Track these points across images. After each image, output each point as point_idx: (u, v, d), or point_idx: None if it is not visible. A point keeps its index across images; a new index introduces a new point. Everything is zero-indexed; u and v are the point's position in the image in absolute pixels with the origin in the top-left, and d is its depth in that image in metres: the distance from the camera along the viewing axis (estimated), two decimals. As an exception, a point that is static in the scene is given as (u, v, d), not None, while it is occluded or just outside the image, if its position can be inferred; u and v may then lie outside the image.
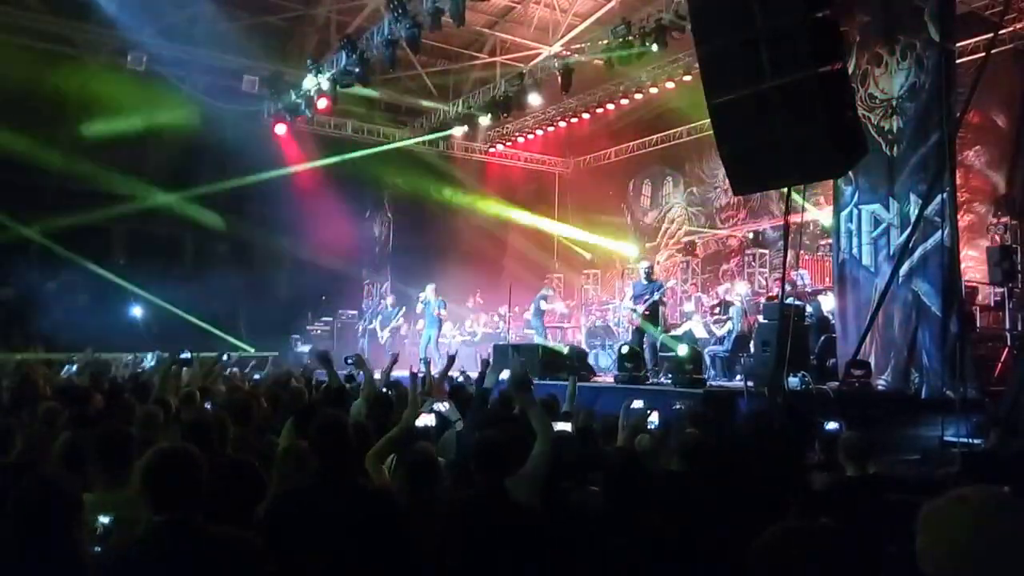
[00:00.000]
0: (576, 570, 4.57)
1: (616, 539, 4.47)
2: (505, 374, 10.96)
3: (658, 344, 15.74)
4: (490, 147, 27.20)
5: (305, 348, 22.64)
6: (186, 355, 10.36)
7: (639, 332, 15.64)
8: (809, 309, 14.83)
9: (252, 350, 20.95)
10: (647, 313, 15.55)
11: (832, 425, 7.84)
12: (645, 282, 16.00)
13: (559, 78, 20.00)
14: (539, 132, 25.74)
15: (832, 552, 2.72)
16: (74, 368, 13.05)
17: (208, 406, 8.43)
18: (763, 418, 7.95)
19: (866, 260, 13.38)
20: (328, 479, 4.50)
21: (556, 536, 4.65)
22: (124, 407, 8.12)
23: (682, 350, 13.92)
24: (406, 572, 4.27)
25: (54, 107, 19.45)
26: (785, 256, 12.19)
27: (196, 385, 9.77)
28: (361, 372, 9.64)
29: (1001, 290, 13.91)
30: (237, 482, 5.04)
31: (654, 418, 7.83)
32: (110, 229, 22.30)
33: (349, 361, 10.40)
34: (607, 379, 16.00)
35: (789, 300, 13.47)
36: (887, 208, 13.07)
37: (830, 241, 15.52)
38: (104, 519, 4.24)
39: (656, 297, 15.73)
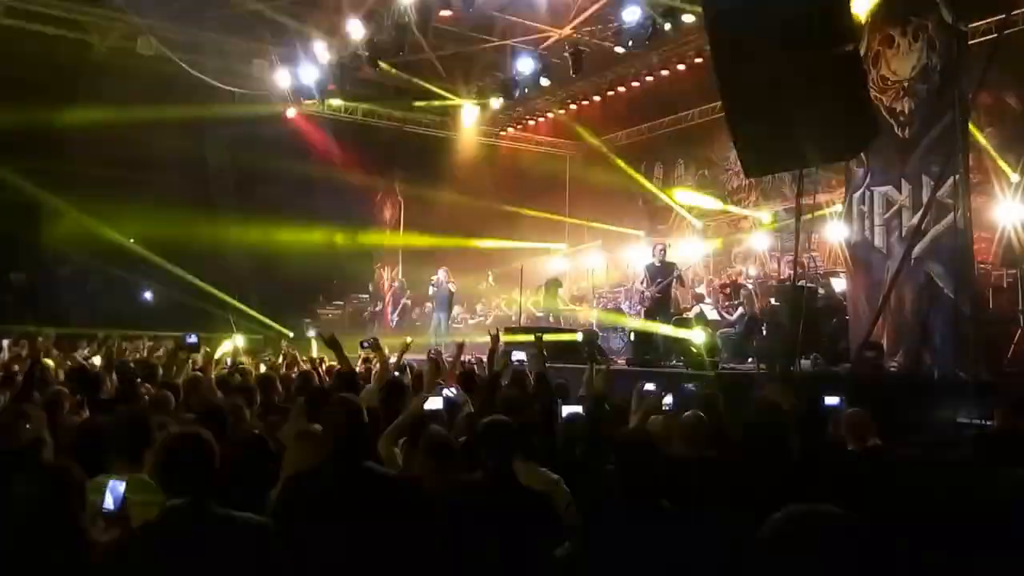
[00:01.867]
0: (585, 553, 4.58)
1: (625, 522, 4.47)
2: (518, 355, 10.97)
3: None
4: (500, 130, 27.18)
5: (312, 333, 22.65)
6: (192, 339, 10.32)
7: (651, 315, 15.57)
8: (821, 291, 14.80)
9: (262, 336, 21.06)
10: (659, 295, 15.49)
11: (832, 400, 7.84)
12: (659, 264, 15.92)
13: (570, 61, 19.97)
14: (550, 115, 25.69)
15: (841, 538, 2.71)
16: (86, 350, 13.12)
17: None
18: (775, 402, 7.92)
19: (878, 242, 13.33)
20: (340, 463, 4.51)
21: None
22: (136, 391, 8.17)
23: (697, 337, 13.92)
24: (417, 555, 4.28)
25: (66, 91, 19.47)
26: (797, 238, 12.16)
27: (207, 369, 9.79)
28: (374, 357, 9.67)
29: (1013, 271, 13.85)
30: (250, 465, 5.07)
31: (668, 400, 7.83)
32: (121, 213, 22.32)
33: (365, 344, 10.35)
34: (619, 362, 16.00)
35: (801, 282, 13.44)
36: (899, 190, 13.03)
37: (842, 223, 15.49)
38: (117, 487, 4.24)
39: (670, 279, 15.62)
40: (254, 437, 5.75)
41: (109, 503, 4.11)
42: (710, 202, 23.42)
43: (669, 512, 4.20)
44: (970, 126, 13.05)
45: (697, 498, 4.53)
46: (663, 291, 15.52)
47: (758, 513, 3.00)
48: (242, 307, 21.30)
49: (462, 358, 11.03)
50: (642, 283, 16.39)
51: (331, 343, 8.59)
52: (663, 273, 15.64)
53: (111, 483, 4.19)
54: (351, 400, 5.03)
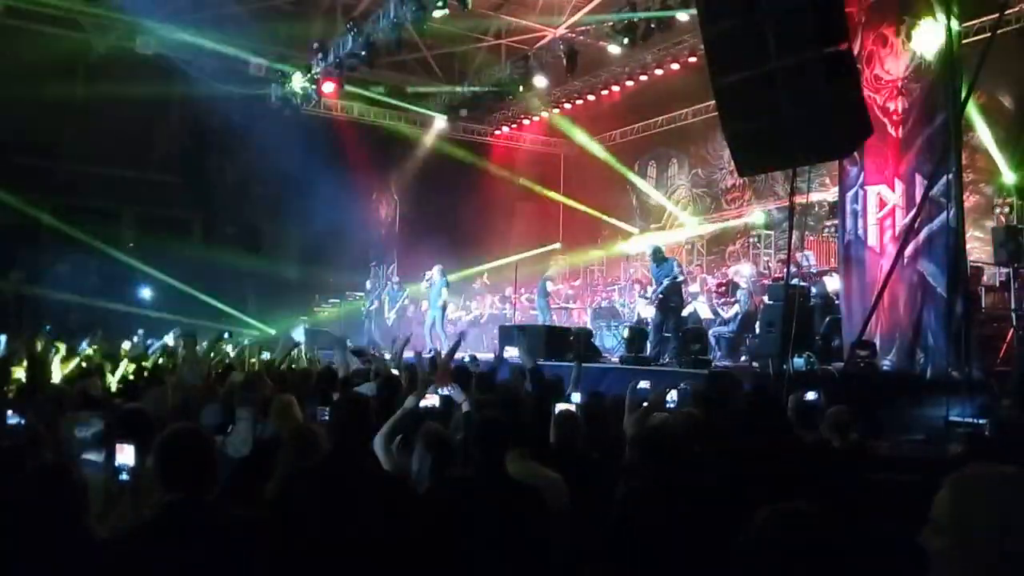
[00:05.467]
0: (576, 548, 4.63)
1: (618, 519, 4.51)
2: (509, 352, 10.98)
3: (666, 326, 15.70)
4: (495, 129, 27.20)
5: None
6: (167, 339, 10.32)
7: (662, 314, 15.45)
8: (814, 290, 14.84)
9: (259, 331, 21.12)
10: (662, 296, 15.43)
11: (810, 395, 7.89)
12: (655, 265, 15.89)
13: (564, 60, 20.01)
14: (544, 114, 25.72)
15: (823, 536, 2.75)
16: (84, 346, 13.17)
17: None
18: (762, 397, 7.97)
19: (871, 241, 13.38)
20: (340, 460, 4.54)
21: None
22: (135, 387, 8.22)
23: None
24: (410, 552, 4.32)
25: (64, 91, 19.52)
26: (790, 237, 12.19)
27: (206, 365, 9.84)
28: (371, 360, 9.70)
29: (1006, 270, 13.90)
30: (248, 461, 5.11)
31: (672, 396, 7.86)
32: (120, 212, 22.39)
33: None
34: (613, 360, 16.04)
35: (794, 281, 13.49)
36: (893, 189, 13.07)
37: (836, 222, 15.53)
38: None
39: (668, 283, 15.49)
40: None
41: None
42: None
43: (662, 507, 4.25)
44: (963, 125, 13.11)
45: (686, 492, 4.58)
46: (668, 291, 15.42)
47: (743, 509, 3.05)
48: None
49: (458, 356, 11.04)
50: (651, 287, 16.38)
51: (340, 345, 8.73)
52: (664, 274, 15.56)
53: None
54: (359, 397, 5.08)
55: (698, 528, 4.29)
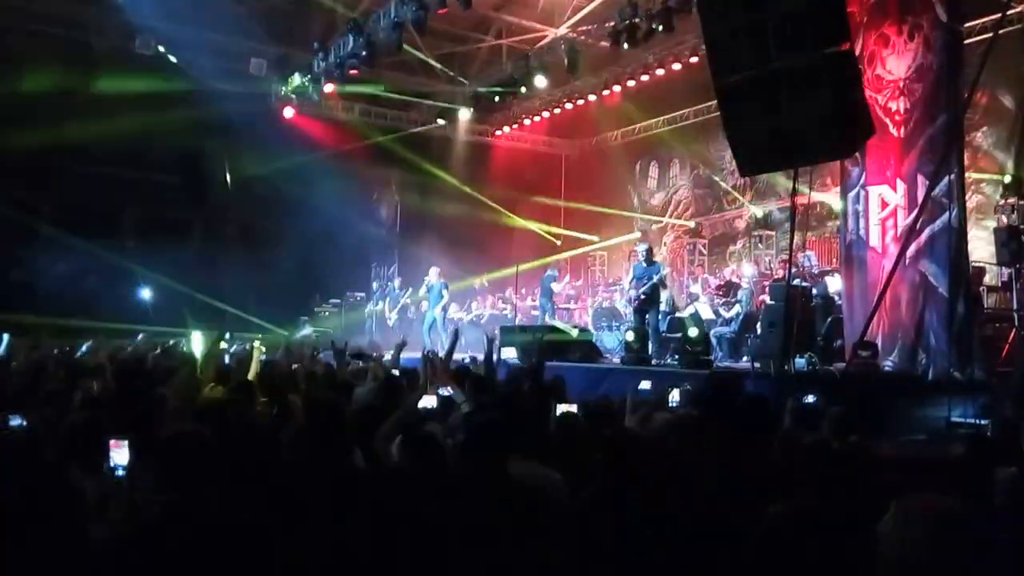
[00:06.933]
0: (575, 550, 4.60)
1: (614, 520, 4.49)
2: (507, 352, 10.95)
3: (661, 326, 15.74)
4: (496, 129, 27.18)
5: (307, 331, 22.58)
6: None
7: (641, 314, 15.62)
8: (816, 290, 14.83)
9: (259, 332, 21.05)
10: (644, 296, 15.51)
11: (810, 398, 7.87)
12: (645, 264, 15.93)
13: (565, 60, 19.99)
14: (545, 114, 25.69)
15: (831, 533, 2.74)
16: (84, 348, 13.15)
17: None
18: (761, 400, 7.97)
19: (873, 241, 13.36)
20: (327, 459, 4.52)
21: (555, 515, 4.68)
22: (133, 389, 8.17)
23: (692, 332, 14.04)
24: (407, 552, 4.30)
25: (63, 91, 19.49)
26: (792, 237, 12.19)
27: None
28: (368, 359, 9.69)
29: (1008, 271, 13.87)
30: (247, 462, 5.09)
31: (675, 396, 7.85)
32: (119, 211, 22.36)
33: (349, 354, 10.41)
34: (614, 361, 16.03)
35: (796, 281, 13.47)
36: (894, 189, 13.06)
37: (837, 222, 15.52)
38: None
39: (654, 281, 15.57)
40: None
41: None
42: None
43: (662, 509, 4.23)
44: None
45: (687, 493, 4.55)
46: (650, 291, 15.50)
47: (745, 509, 3.04)
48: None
49: (459, 356, 11.03)
50: (630, 283, 16.46)
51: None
52: (648, 274, 15.63)
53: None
54: (335, 400, 5.07)
55: (662, 532, 4.27)
